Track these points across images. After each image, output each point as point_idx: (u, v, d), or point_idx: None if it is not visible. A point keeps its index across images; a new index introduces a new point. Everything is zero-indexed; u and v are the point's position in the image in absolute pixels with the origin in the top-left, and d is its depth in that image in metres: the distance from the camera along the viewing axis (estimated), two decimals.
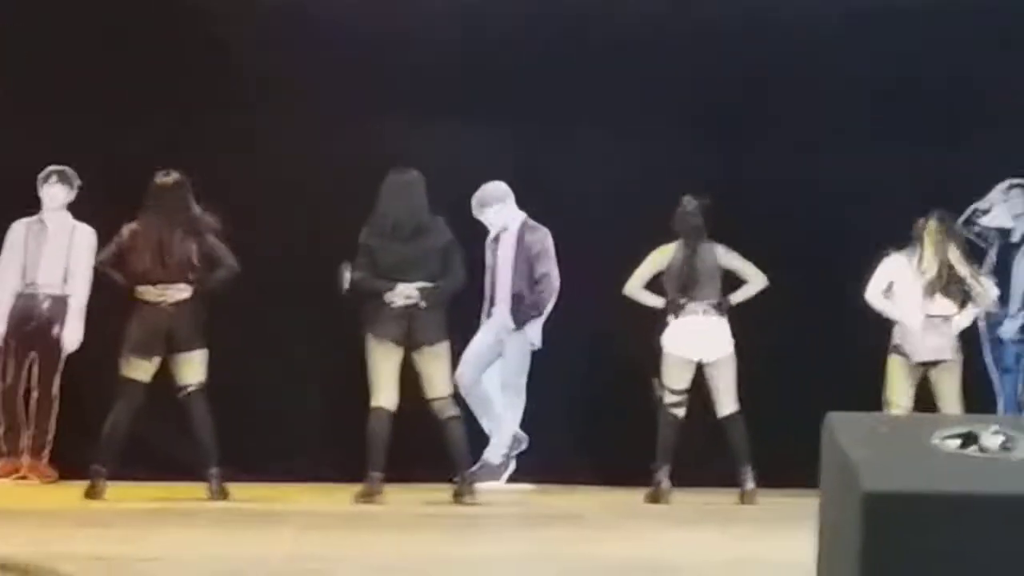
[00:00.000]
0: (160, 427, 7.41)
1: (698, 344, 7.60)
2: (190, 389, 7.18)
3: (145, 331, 7.11)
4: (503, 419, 8.07)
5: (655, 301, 7.65)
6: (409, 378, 7.21)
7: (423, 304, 7.07)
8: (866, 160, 8.21)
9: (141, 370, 7.14)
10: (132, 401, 7.11)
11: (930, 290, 7.53)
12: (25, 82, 8.05)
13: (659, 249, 7.70)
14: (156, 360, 7.15)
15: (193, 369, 7.19)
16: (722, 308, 7.62)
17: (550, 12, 8.14)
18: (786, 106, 8.24)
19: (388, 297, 7.09)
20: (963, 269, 7.55)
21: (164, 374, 7.20)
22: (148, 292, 7.13)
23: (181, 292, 7.13)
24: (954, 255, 7.54)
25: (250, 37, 8.14)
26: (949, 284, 7.54)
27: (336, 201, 7.83)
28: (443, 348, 7.20)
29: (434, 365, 7.17)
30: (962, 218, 8.30)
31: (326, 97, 8.17)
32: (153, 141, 7.84)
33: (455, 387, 7.57)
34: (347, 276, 7.19)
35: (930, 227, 7.53)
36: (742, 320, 7.65)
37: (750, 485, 7.56)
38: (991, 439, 4.07)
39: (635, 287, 7.67)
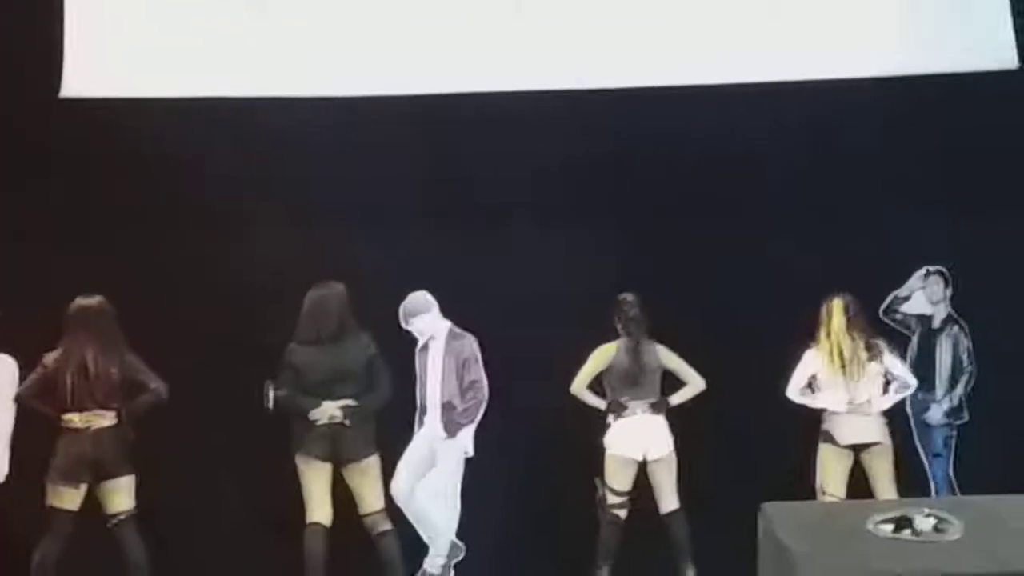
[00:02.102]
0: (92, 557, 7.28)
1: (640, 443, 7.64)
2: (121, 517, 7.09)
3: (71, 459, 7.03)
4: (440, 528, 8.02)
5: (598, 401, 7.70)
6: (345, 491, 7.19)
7: (347, 423, 7.06)
8: (788, 248, 8.31)
9: (68, 499, 7.05)
10: (61, 531, 7.02)
11: (850, 376, 7.62)
12: None
13: (600, 348, 7.77)
14: (83, 488, 7.07)
15: (122, 496, 7.11)
16: (661, 407, 7.67)
17: (470, 116, 8.22)
18: (709, 198, 8.33)
19: (313, 415, 7.11)
20: (874, 353, 7.65)
21: (93, 503, 7.11)
22: (73, 420, 7.06)
23: (106, 419, 7.07)
24: (862, 338, 7.64)
25: (170, 156, 8.13)
26: (866, 367, 7.64)
27: (260, 315, 7.81)
28: (371, 463, 7.23)
29: (363, 480, 7.20)
30: (883, 306, 8.41)
31: (245, 214, 8.17)
32: (72, 267, 7.78)
33: (391, 498, 7.56)
34: (271, 394, 7.21)
35: (832, 309, 7.64)
36: (678, 417, 7.69)
37: None
38: (924, 522, 4.11)
39: (580, 387, 7.73)
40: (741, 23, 8.31)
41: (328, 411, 7.13)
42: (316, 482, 7.14)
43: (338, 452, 7.15)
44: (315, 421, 7.14)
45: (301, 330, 7.25)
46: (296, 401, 7.16)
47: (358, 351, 7.21)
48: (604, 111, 8.21)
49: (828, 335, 7.64)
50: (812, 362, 7.67)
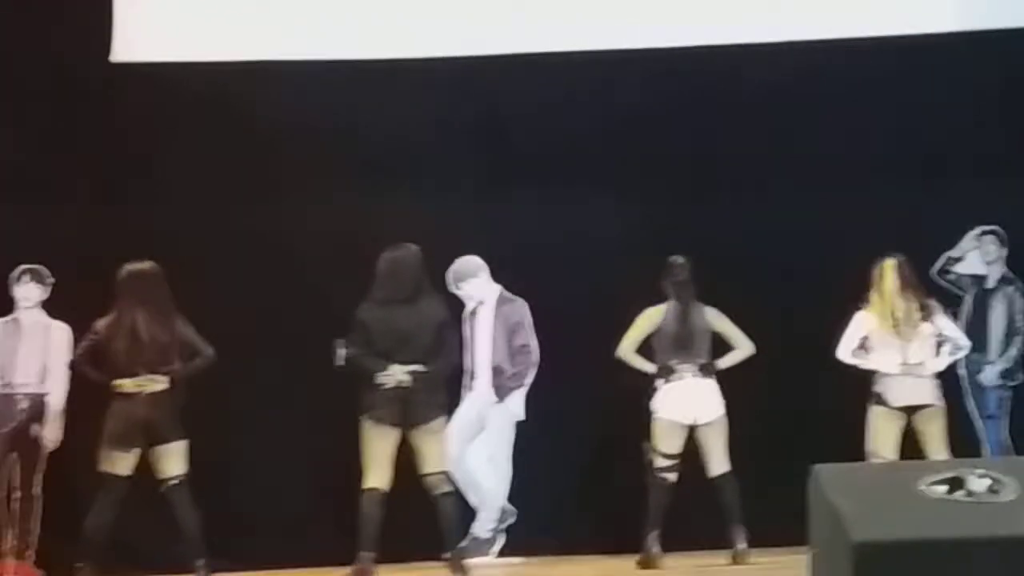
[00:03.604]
0: (144, 521, 7.34)
1: (690, 407, 7.60)
2: (172, 482, 7.13)
3: (123, 424, 7.07)
4: (490, 493, 8.02)
5: (647, 365, 7.66)
6: (400, 456, 7.19)
7: (416, 387, 7.06)
8: (839, 211, 8.24)
9: (121, 464, 7.09)
10: (113, 496, 7.05)
11: (903, 337, 7.55)
12: None
13: (648, 312, 7.71)
14: (136, 453, 7.10)
15: (174, 461, 7.14)
16: (710, 370, 7.63)
17: (521, 78, 8.18)
18: (760, 159, 8.27)
19: (381, 379, 7.08)
20: (927, 313, 7.58)
21: (146, 467, 7.16)
22: (125, 385, 7.10)
23: (158, 383, 7.11)
24: (916, 298, 7.57)
25: (230, 121, 8.15)
26: (919, 328, 7.58)
27: (312, 280, 7.83)
28: (439, 425, 7.19)
29: (430, 442, 7.15)
30: (936, 267, 8.34)
31: (296, 177, 8.18)
32: (123, 232, 7.82)
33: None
34: (341, 352, 7.19)
35: (885, 271, 7.58)
36: (727, 380, 7.66)
37: (742, 545, 7.53)
38: (977, 483, 4.06)
39: (628, 350, 7.68)
40: None
41: (396, 376, 7.10)
42: (381, 447, 7.10)
43: (407, 416, 7.10)
44: (383, 385, 7.10)
45: (376, 290, 7.21)
46: (365, 361, 7.13)
47: (431, 314, 7.17)
48: (654, 71, 8.16)
49: (880, 296, 7.57)
50: (864, 323, 7.60)
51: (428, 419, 7.11)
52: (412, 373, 7.07)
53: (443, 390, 7.23)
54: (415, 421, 7.10)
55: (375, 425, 7.09)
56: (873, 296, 7.59)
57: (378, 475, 7.10)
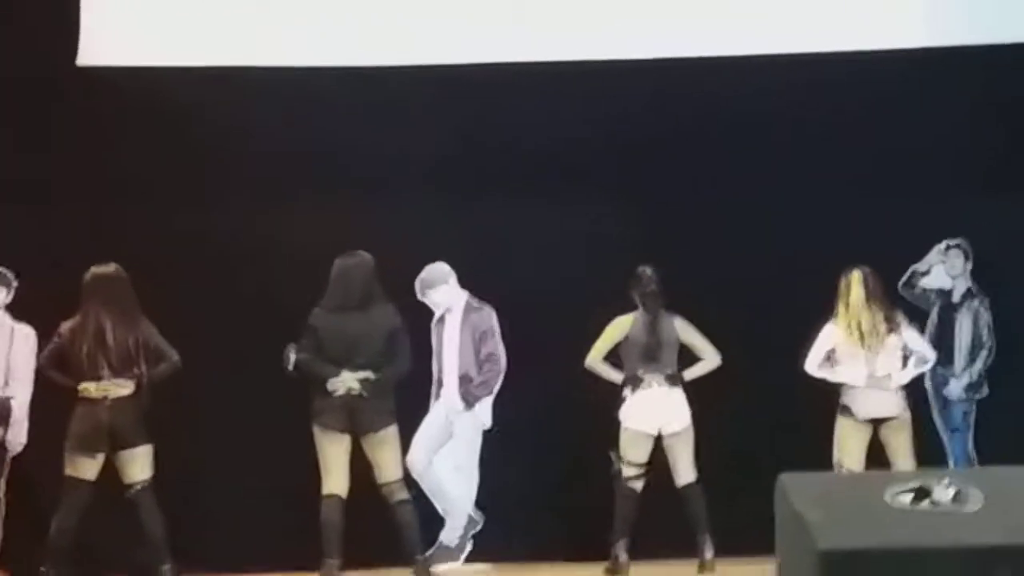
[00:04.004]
0: (109, 526, 7.31)
1: (657, 416, 7.62)
2: (137, 486, 7.11)
3: (87, 428, 7.05)
4: (457, 500, 8.02)
5: (614, 374, 7.68)
6: (363, 462, 7.19)
7: (365, 394, 7.08)
8: (806, 224, 8.27)
9: (85, 468, 7.07)
10: (78, 500, 7.03)
11: (869, 349, 7.58)
12: None
13: (616, 321, 7.74)
14: (100, 457, 7.08)
15: (139, 466, 7.13)
16: (677, 380, 7.65)
17: (491, 87, 8.19)
18: (730, 170, 8.29)
19: (331, 385, 7.10)
20: (893, 325, 7.62)
21: (111, 472, 7.13)
22: (90, 389, 7.08)
23: (123, 388, 7.08)
24: (881, 310, 7.60)
25: (190, 126, 8.12)
26: (885, 340, 7.61)
27: (276, 286, 7.81)
28: (389, 433, 7.24)
29: (381, 450, 7.21)
30: (902, 280, 8.37)
31: (263, 183, 8.16)
32: (87, 234, 7.78)
33: (407, 471, 7.57)
34: (292, 357, 7.22)
35: (851, 283, 7.60)
36: (695, 390, 7.67)
37: (709, 554, 7.55)
38: (943, 493, 4.07)
39: (596, 359, 7.70)
40: None
41: (346, 382, 7.14)
42: (333, 453, 7.16)
43: (356, 423, 7.16)
44: (333, 392, 7.14)
45: (328, 297, 7.25)
46: (316, 366, 7.16)
47: (382, 321, 7.22)
48: (623, 83, 8.17)
49: (847, 308, 7.60)
50: (830, 336, 7.63)
51: (377, 427, 7.17)
52: (362, 380, 7.10)
53: (392, 398, 7.28)
54: (365, 429, 7.16)
55: (324, 431, 7.16)
56: (839, 308, 7.62)
57: (335, 481, 7.15)
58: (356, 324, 7.18)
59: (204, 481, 7.91)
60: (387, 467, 7.22)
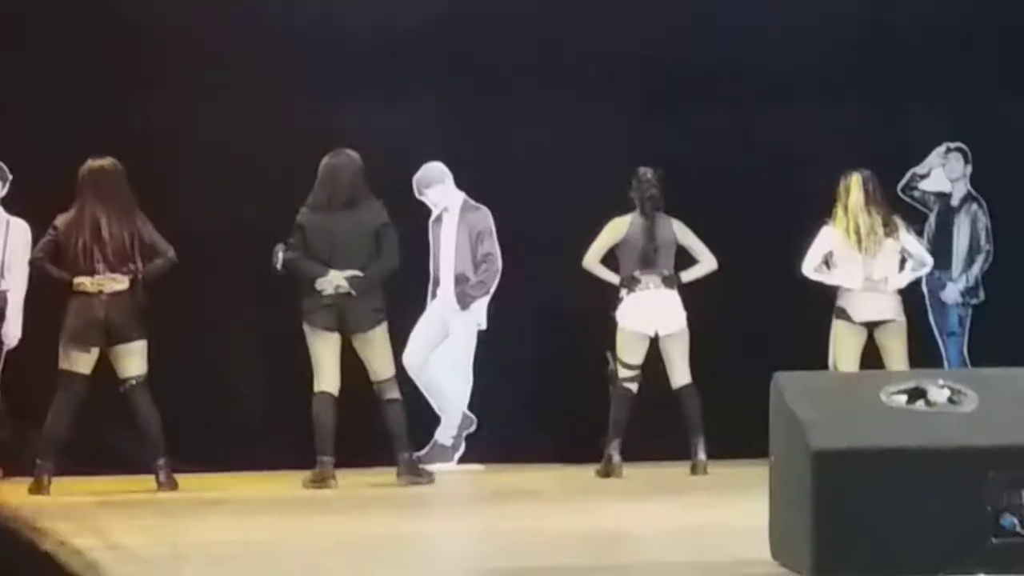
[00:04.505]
0: (104, 420, 7.31)
1: (653, 318, 7.60)
2: (132, 382, 7.10)
3: (83, 323, 7.03)
4: (452, 399, 8.03)
5: (611, 276, 7.64)
6: (356, 362, 7.20)
7: (353, 292, 7.05)
8: (805, 126, 8.21)
9: (80, 362, 7.05)
10: (73, 395, 7.03)
11: (866, 252, 7.55)
12: None
13: (613, 222, 7.68)
14: (95, 351, 7.07)
15: (134, 361, 7.12)
16: (673, 282, 7.63)
17: None
18: (725, 71, 8.21)
19: (319, 285, 7.09)
20: (891, 229, 7.58)
21: (106, 367, 7.13)
22: (85, 283, 7.04)
23: (118, 283, 7.05)
24: (880, 214, 7.56)
25: (182, 19, 8.02)
26: (882, 243, 7.57)
27: (274, 184, 7.76)
28: (378, 332, 7.24)
29: (371, 349, 7.22)
30: (902, 183, 8.32)
31: (261, 79, 8.08)
32: (82, 129, 7.70)
33: (404, 369, 7.58)
34: (280, 256, 7.19)
35: (851, 185, 7.55)
36: (691, 292, 7.66)
37: (702, 456, 7.56)
38: (938, 393, 4.08)
39: (592, 261, 7.65)
40: None
41: (334, 281, 7.11)
42: (324, 351, 7.17)
43: (345, 322, 7.15)
44: (321, 291, 7.12)
45: (314, 196, 7.22)
46: (304, 265, 7.14)
47: (369, 219, 7.19)
48: None
49: (845, 211, 7.56)
50: (828, 238, 7.59)
51: (366, 326, 7.17)
52: (350, 279, 7.09)
53: (380, 296, 7.25)
54: (354, 328, 7.15)
55: (314, 330, 7.16)
56: (838, 211, 7.57)
57: (326, 379, 7.16)
58: (343, 223, 7.16)
59: (198, 377, 7.91)
60: (377, 365, 7.23)
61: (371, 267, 7.16)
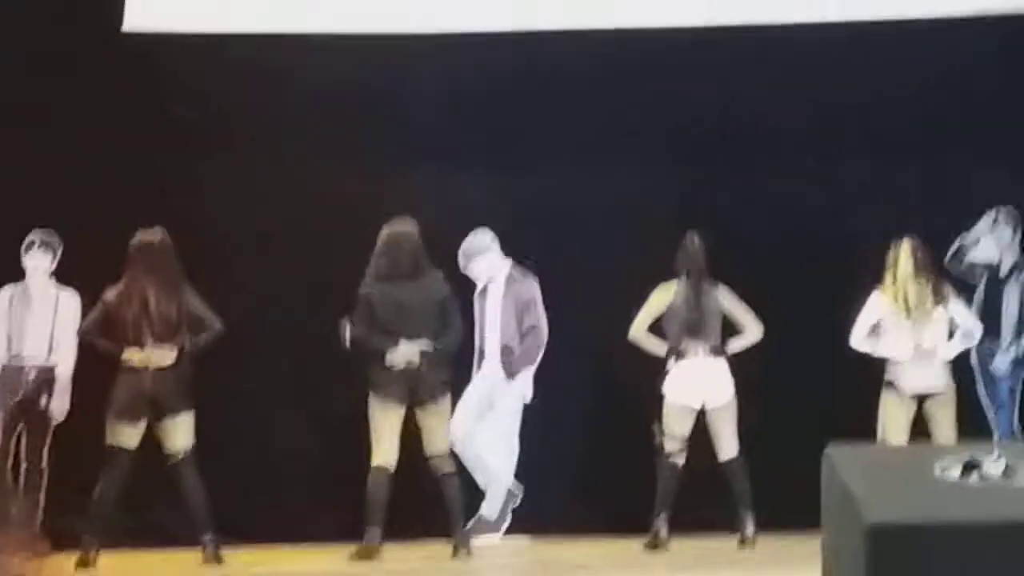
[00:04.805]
0: (151, 494, 7.32)
1: (700, 390, 7.56)
2: (179, 455, 7.11)
3: (129, 397, 7.06)
4: (497, 473, 7.99)
5: (658, 347, 7.60)
6: (408, 433, 7.16)
7: (424, 367, 7.08)
8: (855, 191, 8.19)
9: (126, 436, 7.08)
10: (119, 470, 7.05)
11: (915, 322, 7.49)
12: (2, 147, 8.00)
13: (660, 288, 7.66)
14: (141, 426, 7.10)
15: (181, 435, 7.13)
16: (719, 351, 7.58)
17: (529, 54, 8.13)
18: (779, 135, 8.21)
19: (389, 359, 7.08)
20: (940, 298, 7.52)
21: (153, 441, 7.14)
22: (133, 357, 7.08)
23: (166, 357, 7.08)
24: (929, 282, 7.50)
25: (237, 91, 8.11)
26: (931, 313, 7.51)
27: (324, 251, 7.80)
28: (445, 404, 7.26)
29: (435, 421, 7.22)
30: (950, 251, 8.26)
31: (308, 149, 8.14)
32: (134, 197, 7.77)
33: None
34: (347, 333, 7.19)
35: (900, 253, 7.50)
36: (739, 361, 7.61)
37: (750, 529, 7.49)
38: (992, 467, 4.00)
39: (640, 330, 7.62)
40: None
41: (406, 355, 7.11)
42: (387, 424, 7.14)
43: (415, 393, 7.13)
44: (392, 366, 7.10)
45: (377, 266, 7.22)
46: (372, 339, 7.13)
47: (433, 290, 7.20)
48: (672, 44, 8.09)
49: (895, 279, 7.51)
50: (877, 306, 7.55)
51: (435, 398, 7.14)
52: (422, 353, 7.06)
53: (449, 368, 7.26)
54: (422, 399, 7.12)
55: (383, 403, 7.11)
56: (887, 278, 7.53)
57: (385, 453, 7.12)
58: (408, 293, 7.16)
59: (246, 451, 7.91)
60: (437, 439, 7.21)
61: (440, 338, 7.15)
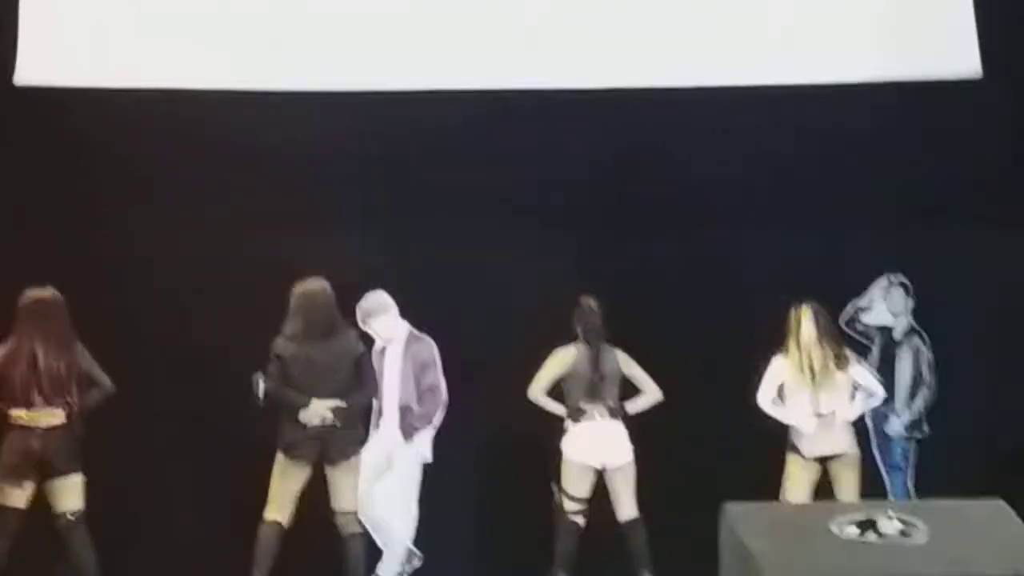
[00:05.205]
0: (40, 556, 7.17)
1: (599, 450, 7.58)
2: (68, 516, 7.00)
3: (18, 456, 6.96)
4: (396, 533, 7.92)
5: (557, 407, 7.62)
6: (311, 491, 7.10)
7: (338, 424, 7.06)
8: (752, 254, 8.27)
9: (15, 497, 6.97)
10: (7, 529, 6.93)
11: (819, 386, 7.53)
12: None
13: (557, 353, 7.69)
14: (29, 486, 6.98)
15: (70, 495, 7.02)
16: (619, 413, 7.61)
17: (433, 115, 8.15)
18: (677, 199, 8.27)
19: (303, 417, 7.07)
20: (843, 362, 7.58)
21: (43, 501, 7.01)
22: (21, 416, 6.97)
23: (54, 416, 6.98)
24: (831, 347, 7.56)
25: (140, 146, 8.04)
26: (834, 376, 7.56)
27: (232, 309, 7.73)
28: (355, 462, 7.25)
29: (344, 480, 7.21)
30: (844, 316, 8.36)
31: (201, 209, 8.08)
32: (24, 257, 7.66)
33: None
34: (261, 386, 7.15)
35: (801, 319, 7.55)
36: (638, 422, 7.62)
37: None
38: (889, 525, 4.04)
39: (538, 392, 7.65)
40: (699, 27, 8.26)
41: (319, 412, 7.08)
42: (291, 482, 7.12)
43: (326, 452, 7.12)
44: (306, 424, 7.05)
45: (291, 325, 7.19)
46: (286, 395, 7.11)
47: (347, 348, 7.20)
48: (569, 112, 8.15)
49: (798, 345, 7.52)
50: (780, 371, 7.56)
51: (346, 456, 7.15)
52: (334, 409, 7.04)
53: (362, 426, 7.28)
54: (333, 458, 7.11)
55: (292, 462, 7.08)
56: (790, 344, 7.54)
57: (281, 510, 7.10)
58: (322, 352, 7.16)
59: (136, 511, 7.79)
60: (347, 496, 7.21)
61: (354, 395, 7.15)
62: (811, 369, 7.48)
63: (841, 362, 7.55)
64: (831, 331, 7.60)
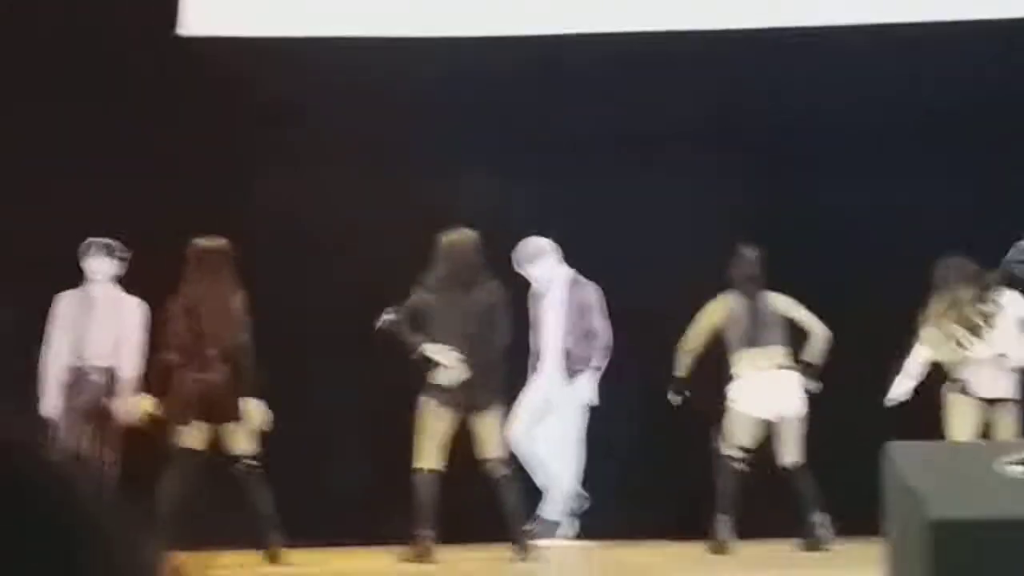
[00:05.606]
0: (216, 496, 7.36)
1: (770, 402, 7.51)
2: (244, 460, 7.16)
3: (186, 401, 7.10)
4: (559, 477, 7.97)
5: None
6: (461, 439, 7.16)
7: (474, 374, 7.09)
8: (914, 195, 8.12)
9: (193, 439, 7.13)
10: (186, 470, 7.10)
11: (983, 333, 7.36)
12: (68, 153, 8.06)
13: (714, 302, 7.63)
14: (206, 429, 7.14)
15: (244, 439, 7.17)
16: (789, 364, 7.52)
17: (589, 67, 8.12)
18: (828, 141, 8.15)
19: (442, 367, 7.12)
20: (994, 306, 7.39)
21: (220, 444, 7.19)
22: (196, 363, 7.12)
23: (227, 362, 7.12)
24: (980, 293, 7.36)
25: (293, 102, 8.14)
26: (992, 320, 7.39)
27: (381, 263, 7.81)
28: (496, 410, 7.23)
29: (487, 427, 7.22)
30: (1007, 256, 8.13)
31: (378, 154, 8.15)
32: (195, 208, 7.81)
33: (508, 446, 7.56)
34: (385, 318, 7.22)
35: (949, 267, 7.37)
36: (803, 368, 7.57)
37: (816, 533, 7.44)
38: None
39: (694, 344, 7.58)
40: None
41: (454, 364, 7.13)
42: (438, 428, 7.17)
43: (466, 400, 7.16)
44: (443, 376, 7.13)
45: (435, 274, 7.24)
46: (404, 333, 7.17)
47: (487, 298, 7.23)
48: (725, 55, 8.06)
49: (953, 299, 7.35)
50: (931, 337, 7.40)
51: (486, 404, 7.17)
52: (469, 359, 7.07)
53: (500, 373, 7.28)
54: (474, 406, 7.13)
55: (436, 408, 7.13)
56: (943, 299, 7.38)
57: (432, 456, 7.13)
58: (463, 303, 7.19)
59: (310, 454, 7.94)
60: (492, 443, 7.23)
61: (490, 347, 7.19)
62: (970, 321, 7.31)
63: (995, 306, 7.35)
64: (979, 278, 7.40)
